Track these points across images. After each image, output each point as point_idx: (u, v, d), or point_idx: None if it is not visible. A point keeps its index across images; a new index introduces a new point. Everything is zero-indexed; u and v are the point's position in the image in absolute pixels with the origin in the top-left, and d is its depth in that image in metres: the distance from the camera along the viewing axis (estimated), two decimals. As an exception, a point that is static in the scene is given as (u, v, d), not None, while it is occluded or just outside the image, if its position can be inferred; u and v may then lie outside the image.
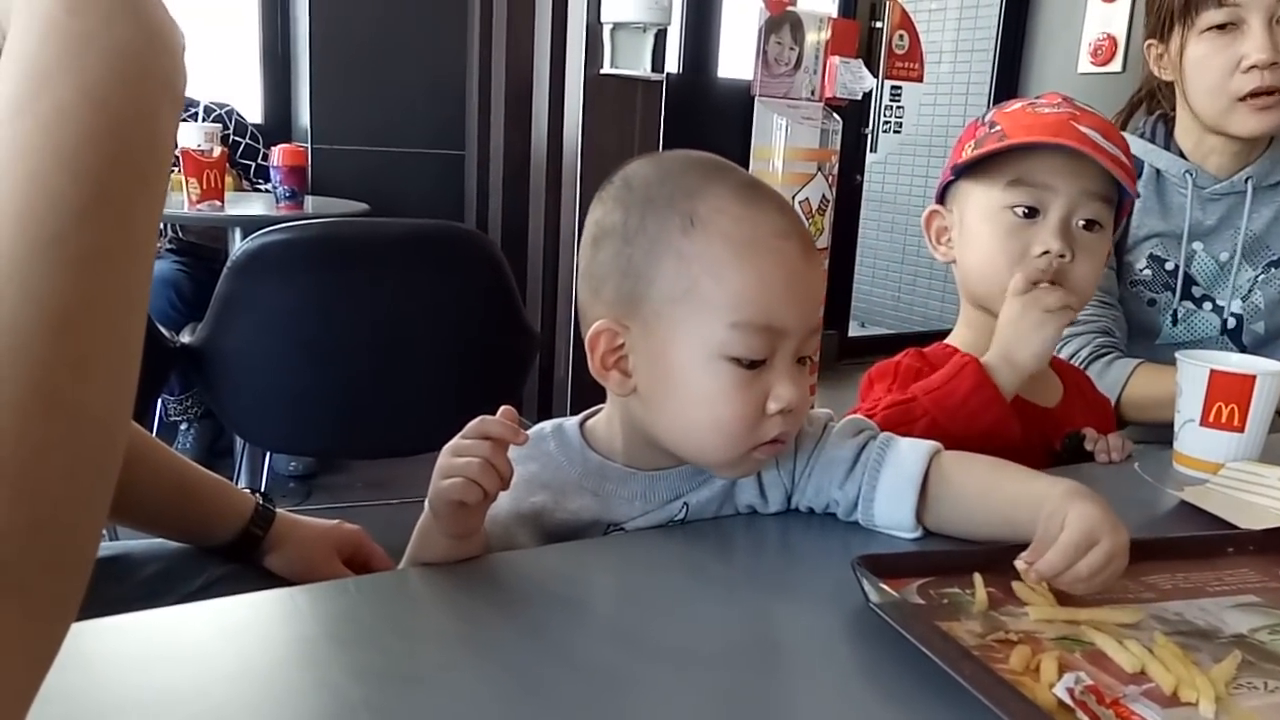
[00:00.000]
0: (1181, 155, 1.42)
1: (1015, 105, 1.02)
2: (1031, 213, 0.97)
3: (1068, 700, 0.51)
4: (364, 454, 2.38)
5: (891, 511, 0.76)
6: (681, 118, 3.17)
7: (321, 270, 1.64)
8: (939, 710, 0.51)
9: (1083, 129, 0.95)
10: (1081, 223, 0.97)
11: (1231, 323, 1.40)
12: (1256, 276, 1.40)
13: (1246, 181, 1.38)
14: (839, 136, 3.07)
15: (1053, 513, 0.66)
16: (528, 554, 0.71)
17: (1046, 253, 0.96)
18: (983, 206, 1.00)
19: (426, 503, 0.67)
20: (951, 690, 0.50)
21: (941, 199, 1.08)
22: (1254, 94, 1.30)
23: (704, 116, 3.47)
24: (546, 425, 0.81)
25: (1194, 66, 1.34)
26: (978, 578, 0.65)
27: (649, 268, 0.73)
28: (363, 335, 1.67)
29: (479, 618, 0.61)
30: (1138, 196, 1.26)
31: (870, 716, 0.53)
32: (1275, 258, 1.40)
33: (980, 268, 1.01)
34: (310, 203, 2.76)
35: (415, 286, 1.73)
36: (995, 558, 0.68)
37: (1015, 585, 0.65)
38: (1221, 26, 1.30)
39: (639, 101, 3.06)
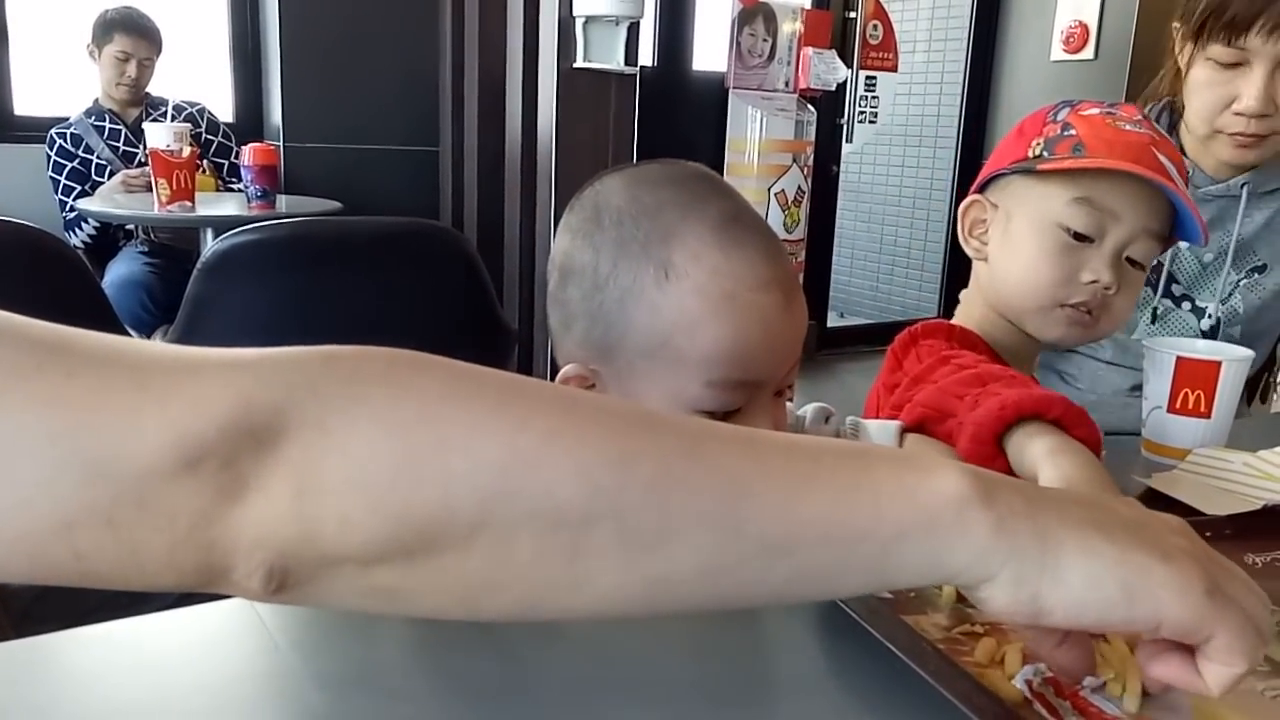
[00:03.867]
0: (1181, 149, 1.41)
1: (1092, 111, 0.95)
2: (1084, 238, 0.92)
3: (1027, 692, 0.51)
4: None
5: None
6: (656, 111, 3.17)
7: (293, 270, 1.63)
8: (907, 705, 0.51)
9: (1161, 158, 0.91)
10: (1130, 258, 0.93)
11: (1208, 325, 1.40)
12: (1239, 281, 1.40)
13: (1243, 187, 1.37)
14: (814, 127, 3.08)
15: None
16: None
17: (1095, 281, 0.92)
18: (1036, 215, 0.94)
19: None
20: (918, 685, 0.50)
21: (982, 188, 1.02)
22: (1239, 133, 1.30)
23: (679, 110, 3.46)
24: None
25: (1193, 87, 1.33)
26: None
27: (620, 319, 0.70)
28: (336, 335, 1.65)
29: (443, 625, 0.61)
30: (1204, 244, 1.24)
31: (839, 713, 0.53)
32: (1260, 264, 1.40)
33: (1020, 279, 0.95)
34: (283, 202, 2.75)
35: (389, 285, 1.73)
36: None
37: (983, 576, 0.66)
38: (1225, 63, 1.28)
39: (613, 95, 3.05)
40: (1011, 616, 0.38)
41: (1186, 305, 1.41)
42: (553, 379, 0.77)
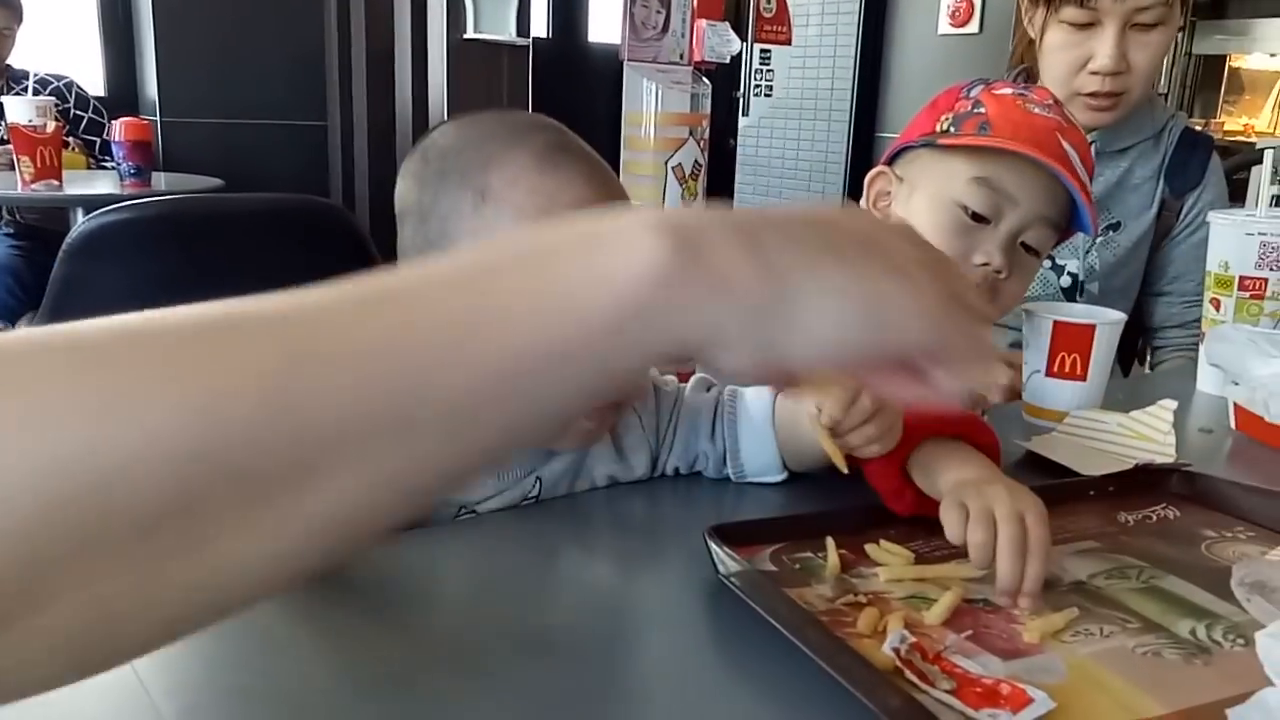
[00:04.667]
0: None
1: (1004, 91, 0.95)
2: (981, 218, 0.92)
3: (896, 660, 0.51)
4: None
5: (758, 457, 0.75)
6: (551, 83, 3.12)
7: (166, 251, 1.54)
8: (789, 679, 0.50)
9: (1066, 145, 0.91)
10: (1024, 243, 0.93)
11: (1068, 282, 1.45)
12: (1095, 239, 1.45)
13: (1091, 145, 1.42)
14: (709, 100, 3.07)
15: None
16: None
17: (987, 264, 0.92)
18: (937, 191, 0.94)
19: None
20: (801, 658, 0.50)
21: (890, 160, 1.01)
22: (1094, 94, 1.34)
23: (574, 82, 3.42)
24: None
25: (1048, 51, 1.37)
26: (830, 541, 0.65)
27: (443, 248, 0.69)
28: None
29: (326, 613, 0.58)
30: (1094, 236, 1.25)
31: (722, 690, 0.52)
32: (1114, 221, 1.45)
33: None
34: (160, 180, 2.62)
35: (272, 265, 1.65)
36: (849, 520, 0.68)
37: (868, 547, 0.66)
38: (1078, 23, 1.32)
39: (505, 67, 3.00)
40: (756, 376, 0.35)
41: (1048, 263, 1.45)
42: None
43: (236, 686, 0.50)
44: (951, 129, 0.94)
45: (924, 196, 0.95)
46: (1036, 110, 0.92)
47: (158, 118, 3.18)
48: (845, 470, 0.65)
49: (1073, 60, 1.34)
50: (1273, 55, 4.57)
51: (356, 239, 1.77)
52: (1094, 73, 1.32)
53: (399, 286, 0.30)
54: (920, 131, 0.98)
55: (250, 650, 0.53)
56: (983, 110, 0.93)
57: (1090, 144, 1.41)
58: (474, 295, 0.30)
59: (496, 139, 0.70)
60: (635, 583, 0.64)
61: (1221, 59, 4.67)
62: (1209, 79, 4.73)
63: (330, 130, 3.46)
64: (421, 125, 3.03)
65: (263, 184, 3.14)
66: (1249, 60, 4.69)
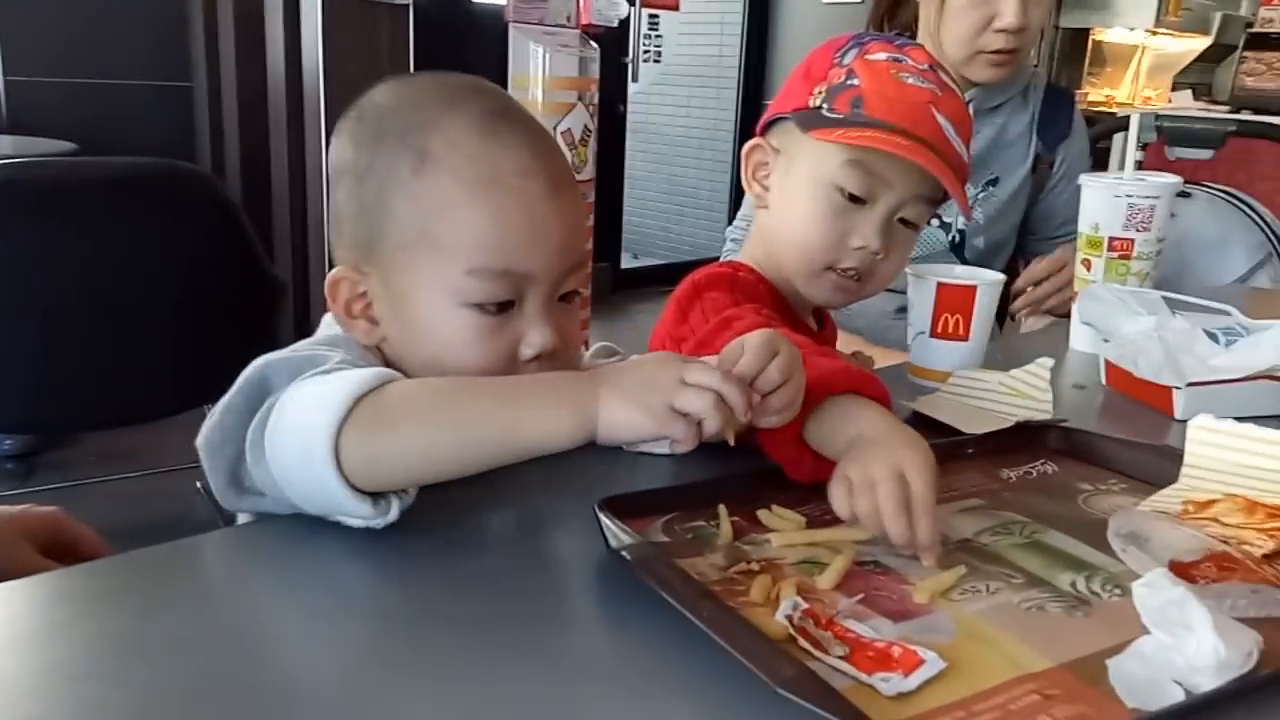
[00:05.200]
0: None
1: (879, 55, 0.92)
2: (857, 199, 0.91)
3: (789, 628, 0.50)
4: (88, 425, 2.13)
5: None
6: (434, 45, 3.03)
7: (11, 219, 1.44)
8: (683, 652, 0.49)
9: (939, 117, 0.90)
10: (901, 219, 0.93)
11: (956, 238, 1.49)
12: (977, 195, 1.49)
13: (968, 104, 1.45)
14: (597, 65, 3.03)
15: (732, 345, 0.65)
16: (236, 533, 0.65)
17: (864, 247, 0.92)
18: (813, 171, 0.92)
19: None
20: (695, 630, 0.49)
21: (766, 129, 0.99)
22: (997, 51, 1.38)
23: (458, 44, 3.33)
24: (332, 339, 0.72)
25: (952, 11, 1.41)
26: (722, 509, 0.64)
27: (380, 212, 0.67)
28: (71, 292, 1.48)
29: (199, 610, 0.55)
30: (968, 218, 1.27)
31: (615, 665, 0.51)
32: (993, 177, 1.49)
33: (791, 240, 0.94)
34: (4, 143, 2.44)
35: (131, 234, 1.55)
36: (741, 487, 0.68)
37: (760, 513, 0.65)
38: None
39: (384, 28, 2.89)
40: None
41: (934, 221, 1.49)
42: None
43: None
44: (825, 106, 0.92)
45: (801, 179, 0.93)
46: (910, 81, 0.91)
47: (0, 76, 2.96)
48: (731, 443, 0.64)
49: (978, 19, 1.38)
50: (1132, 29, 4.76)
51: (224, 207, 1.68)
52: (1000, 30, 1.37)
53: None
54: (794, 103, 0.95)
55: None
56: (856, 83, 0.91)
57: (966, 101, 1.44)
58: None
59: (437, 101, 0.68)
60: (525, 559, 0.61)
61: (1085, 32, 4.85)
62: (1074, 52, 4.90)
63: (196, 92, 3.28)
64: (295, 88, 2.90)
65: (122, 149, 2.95)
66: (1110, 34, 4.89)
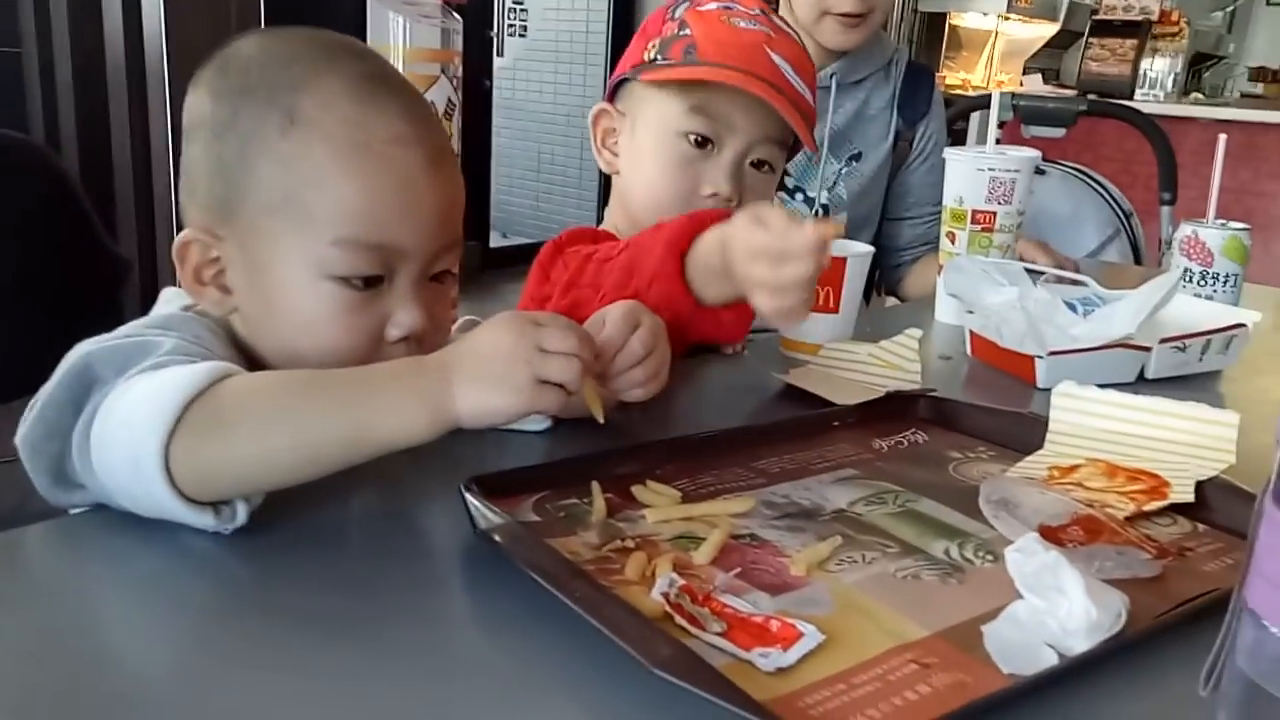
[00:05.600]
0: None
1: (710, 6, 0.93)
2: (705, 142, 0.90)
3: (665, 605, 0.48)
4: (-87, 413, 1.98)
5: None
6: (285, 11, 2.89)
7: None
8: (557, 635, 0.47)
9: (775, 57, 0.89)
10: (753, 161, 0.93)
11: (820, 213, 1.50)
12: (840, 169, 1.50)
13: (831, 78, 1.46)
14: (461, 37, 2.95)
15: (593, 318, 0.66)
16: (64, 524, 0.59)
17: (715, 195, 0.91)
18: (657, 124, 0.92)
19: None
20: (569, 612, 0.46)
21: (613, 96, 0.98)
22: (846, 14, 1.38)
23: (314, 11, 3.19)
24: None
25: None
26: (595, 486, 0.62)
27: (242, 172, 0.62)
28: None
29: (24, 608, 0.49)
30: (815, 150, 1.28)
31: (486, 653, 0.48)
32: (855, 152, 1.51)
33: (646, 195, 0.94)
34: None
35: (-48, 208, 1.42)
36: (614, 463, 0.66)
37: (635, 489, 0.63)
38: None
39: (233, -8, 2.74)
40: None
41: (799, 197, 1.50)
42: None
43: None
44: (658, 57, 0.92)
45: (646, 133, 0.93)
46: (743, 25, 0.91)
47: None
48: (601, 420, 0.63)
49: None
50: (985, 15, 4.94)
51: (57, 179, 1.55)
52: None
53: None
54: (632, 62, 0.96)
55: None
56: (688, 33, 0.91)
57: (830, 74, 1.46)
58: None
59: (309, 58, 0.64)
60: (386, 545, 0.58)
61: (943, 16, 5.01)
62: (932, 36, 5.06)
63: (26, 58, 3.05)
64: (136, 55, 2.73)
65: (-57, 118, 2.73)
66: (966, 19, 5.06)
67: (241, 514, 0.54)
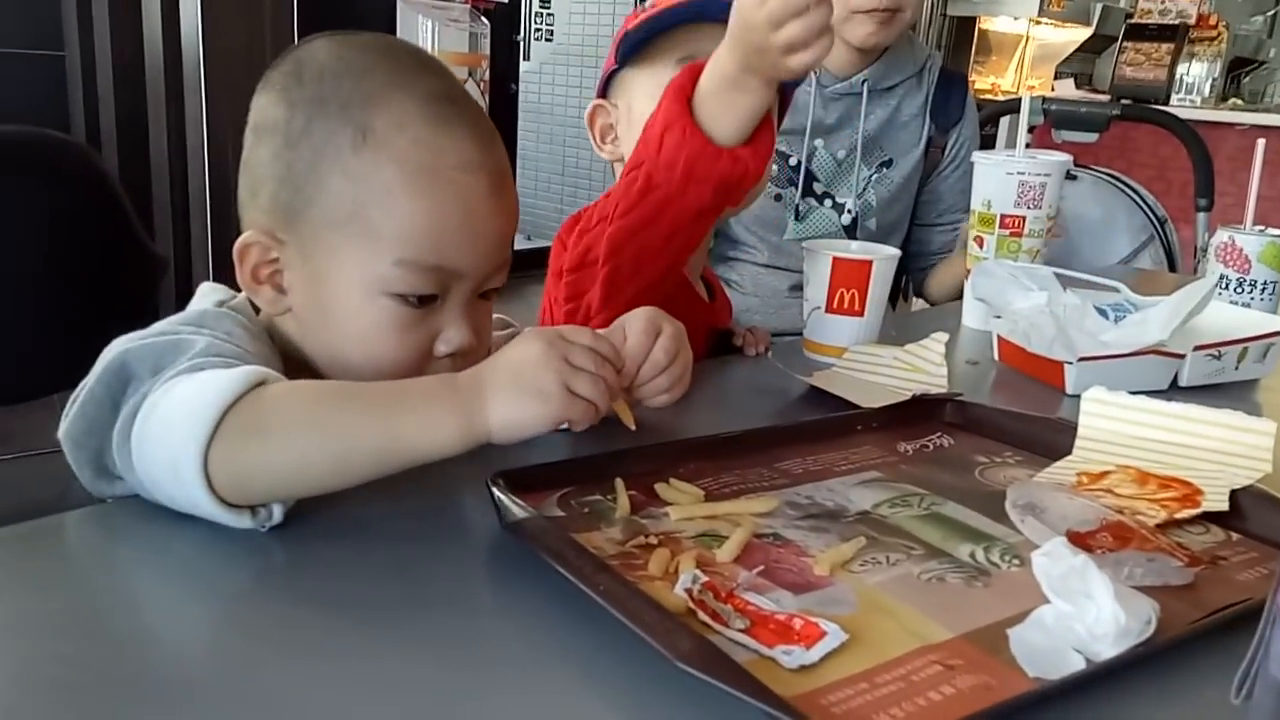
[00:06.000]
0: None
1: None
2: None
3: (689, 601, 0.48)
4: (-46, 407, 2.02)
5: None
6: (318, 17, 2.92)
7: None
8: (582, 627, 0.47)
9: None
10: None
11: (848, 220, 1.50)
12: (871, 175, 1.50)
13: (863, 84, 1.46)
14: (488, 41, 2.97)
15: (613, 327, 0.66)
16: (103, 511, 0.59)
17: None
18: (651, 92, 0.92)
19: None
20: (593, 606, 0.46)
21: (605, 94, 1.01)
22: (874, 10, 1.37)
23: (344, 15, 3.22)
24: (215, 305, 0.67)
25: None
26: (619, 483, 0.62)
27: (310, 182, 0.63)
28: (-75, 266, 1.38)
29: (64, 590, 0.50)
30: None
31: (512, 644, 0.48)
32: (887, 158, 1.50)
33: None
34: None
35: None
36: (638, 460, 0.66)
37: (658, 487, 0.63)
38: None
39: (267, -3, 2.78)
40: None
41: (828, 203, 1.49)
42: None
43: None
44: (630, 32, 0.96)
45: (643, 106, 0.93)
46: None
47: None
48: (634, 428, 0.63)
49: None
50: (1016, 19, 4.91)
51: (98, 178, 1.58)
52: None
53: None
54: (612, 53, 0.99)
55: None
56: (651, 1, 0.95)
57: (861, 80, 1.46)
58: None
59: (383, 72, 0.64)
60: (416, 536, 0.58)
61: (972, 21, 4.98)
62: (961, 39, 5.04)
63: (68, 62, 3.10)
64: (174, 57, 2.76)
65: (-12, 118, 2.78)
66: (996, 23, 5.03)
67: (277, 514, 0.55)
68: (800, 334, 1.01)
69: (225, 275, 0.69)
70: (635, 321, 0.66)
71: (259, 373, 0.54)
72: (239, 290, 0.69)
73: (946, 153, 1.54)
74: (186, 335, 0.59)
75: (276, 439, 0.53)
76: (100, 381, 0.57)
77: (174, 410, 0.53)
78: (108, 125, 3.03)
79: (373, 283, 0.63)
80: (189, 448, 0.51)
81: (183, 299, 0.75)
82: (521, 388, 0.55)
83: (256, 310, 0.69)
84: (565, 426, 0.58)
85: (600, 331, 0.66)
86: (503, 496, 0.56)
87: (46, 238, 1.49)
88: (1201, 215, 1.92)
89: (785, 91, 1.02)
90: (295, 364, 0.67)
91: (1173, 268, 1.83)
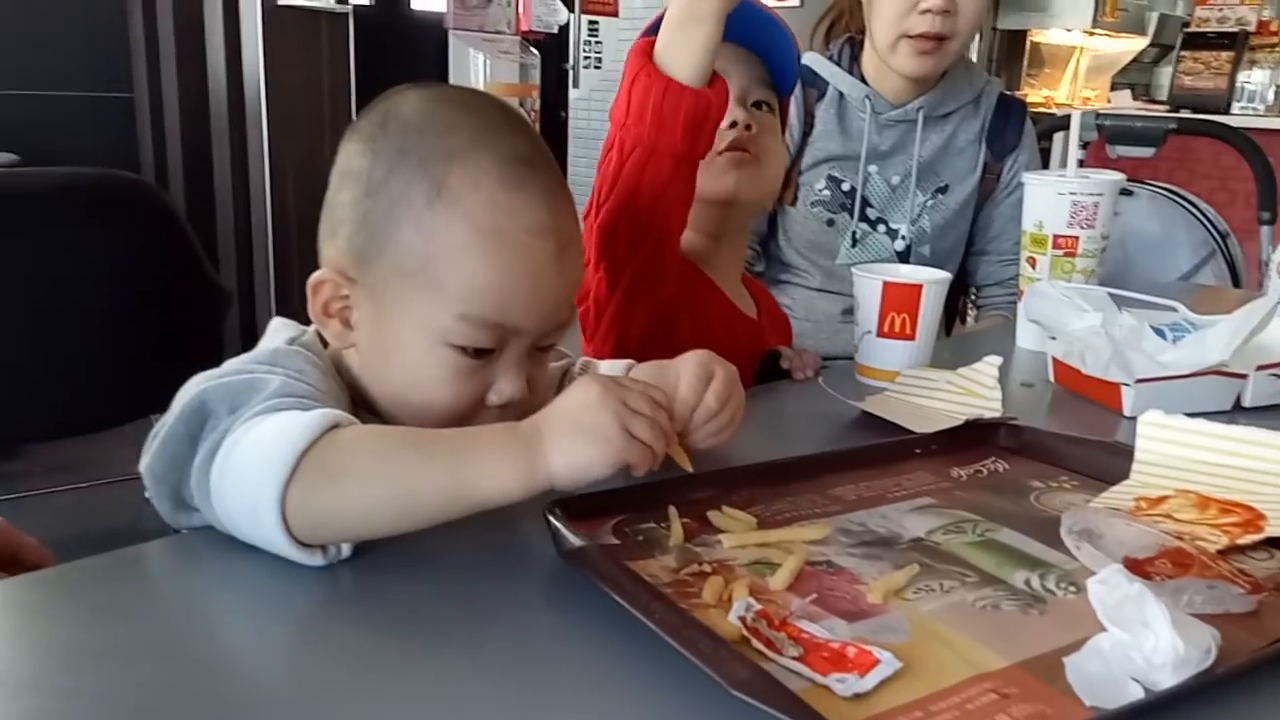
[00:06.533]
0: (863, 80, 1.49)
1: None
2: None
3: (743, 629, 0.49)
4: (34, 437, 2.08)
5: None
6: (374, 53, 2.99)
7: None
8: (636, 654, 0.48)
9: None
10: (754, 103, 1.02)
11: (902, 245, 1.49)
12: (926, 202, 1.49)
13: (918, 111, 1.46)
14: (538, 71, 3.01)
15: (664, 368, 0.67)
16: (181, 541, 0.62)
17: (734, 125, 0.99)
18: None
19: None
20: (647, 633, 0.47)
21: None
22: (922, 36, 1.37)
23: (398, 51, 3.29)
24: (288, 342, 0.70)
25: None
26: (673, 511, 0.63)
27: (385, 230, 0.65)
28: (14, 303, 1.44)
29: (145, 619, 0.53)
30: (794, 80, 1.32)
31: (568, 669, 0.49)
32: (942, 184, 1.50)
33: None
34: (-64, 155, 2.37)
35: (74, 244, 1.51)
36: (691, 488, 0.67)
37: (711, 514, 0.64)
38: None
39: (324, 36, 2.85)
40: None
41: (882, 228, 1.49)
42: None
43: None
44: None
45: None
46: None
47: (-65, 88, 2.87)
48: (690, 470, 0.65)
49: (904, 2, 1.38)
50: (1069, 30, 4.85)
51: (166, 214, 1.64)
52: (925, 11, 1.37)
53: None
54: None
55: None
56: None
57: (917, 109, 1.46)
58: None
59: (465, 130, 0.66)
60: (475, 563, 0.60)
61: (1023, 34, 4.93)
62: (1012, 54, 4.98)
63: (137, 102, 3.21)
64: (237, 97, 2.85)
65: (64, 159, 2.86)
66: (1048, 35, 4.97)
67: (346, 550, 0.57)
68: (850, 358, 1.02)
69: (286, 306, 0.72)
70: (688, 367, 0.66)
71: (331, 416, 0.56)
72: (308, 323, 0.72)
73: (1001, 179, 1.52)
74: (261, 374, 0.61)
75: (347, 485, 0.55)
76: (180, 420, 0.60)
77: (252, 453, 0.55)
78: (174, 163, 3.13)
79: (434, 332, 0.65)
80: (267, 492, 0.53)
81: (246, 330, 0.78)
82: (581, 431, 0.56)
83: (324, 344, 0.71)
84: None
85: (650, 365, 0.67)
86: (559, 525, 0.57)
87: (118, 273, 1.55)
88: (1265, 228, 1.88)
89: (783, 99, 1.08)
90: (357, 398, 0.69)
91: (1236, 283, 1.79)
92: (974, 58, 4.40)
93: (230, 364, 0.64)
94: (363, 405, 0.69)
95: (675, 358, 0.68)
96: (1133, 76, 5.07)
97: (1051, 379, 1.02)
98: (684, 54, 0.86)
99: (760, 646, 0.48)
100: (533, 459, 0.56)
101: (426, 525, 0.56)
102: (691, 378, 0.65)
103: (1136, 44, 4.93)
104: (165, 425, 0.60)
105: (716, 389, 0.66)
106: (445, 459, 0.56)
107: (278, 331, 0.72)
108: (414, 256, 0.65)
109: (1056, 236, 1.11)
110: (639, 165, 0.88)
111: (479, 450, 0.57)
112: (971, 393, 0.89)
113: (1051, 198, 1.11)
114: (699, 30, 0.85)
